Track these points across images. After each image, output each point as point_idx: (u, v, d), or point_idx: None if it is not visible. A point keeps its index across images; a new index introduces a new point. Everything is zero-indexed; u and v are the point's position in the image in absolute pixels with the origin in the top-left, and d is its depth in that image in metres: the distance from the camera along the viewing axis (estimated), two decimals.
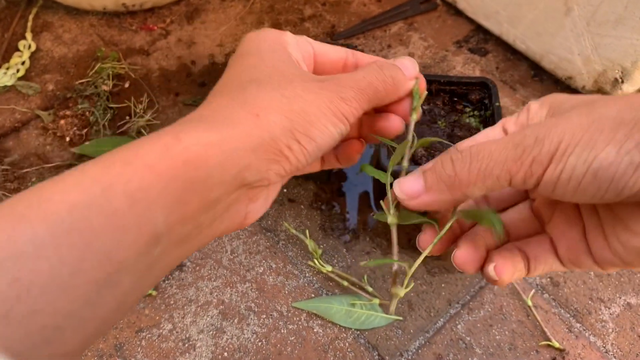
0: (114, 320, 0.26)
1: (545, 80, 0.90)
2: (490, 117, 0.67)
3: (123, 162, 0.26)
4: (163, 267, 0.28)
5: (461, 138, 0.66)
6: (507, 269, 0.34)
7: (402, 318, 0.68)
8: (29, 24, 0.94)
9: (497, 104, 0.66)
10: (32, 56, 0.90)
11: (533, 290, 0.70)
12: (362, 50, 0.92)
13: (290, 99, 0.31)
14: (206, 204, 0.28)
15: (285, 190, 0.77)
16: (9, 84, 0.86)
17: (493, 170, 0.29)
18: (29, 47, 0.91)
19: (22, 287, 0.22)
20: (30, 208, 0.23)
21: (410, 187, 0.34)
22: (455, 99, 0.70)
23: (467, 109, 0.70)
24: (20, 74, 0.87)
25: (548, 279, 0.71)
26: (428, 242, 0.38)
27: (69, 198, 0.24)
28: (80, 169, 0.25)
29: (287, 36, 0.36)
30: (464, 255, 0.36)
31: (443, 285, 0.71)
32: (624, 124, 0.25)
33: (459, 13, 0.98)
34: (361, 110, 0.34)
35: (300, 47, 0.37)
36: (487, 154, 0.29)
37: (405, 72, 0.37)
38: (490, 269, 0.34)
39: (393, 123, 0.39)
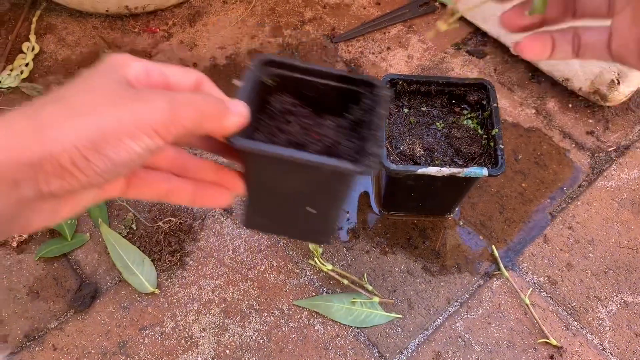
0: None
1: (543, 82, 0.91)
2: (488, 118, 0.68)
3: None
4: None
5: (459, 139, 0.67)
6: (536, 46, 0.37)
7: (401, 316, 0.69)
8: (33, 26, 0.95)
9: (494, 105, 0.67)
10: (36, 58, 0.91)
11: (531, 289, 0.71)
12: (361, 52, 0.93)
13: (85, 115, 0.29)
14: None
15: None
16: (13, 85, 0.87)
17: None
18: (33, 49, 0.92)
19: None
20: None
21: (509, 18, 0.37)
22: (454, 101, 0.71)
23: (465, 112, 0.71)
24: (24, 75, 0.88)
25: (546, 278, 0.72)
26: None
27: None
28: None
29: (133, 60, 0.34)
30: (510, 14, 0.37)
31: (442, 283, 0.71)
32: None
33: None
34: (181, 129, 0.32)
35: (149, 71, 0.35)
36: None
37: (232, 107, 0.36)
38: (518, 45, 0.37)
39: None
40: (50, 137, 0.28)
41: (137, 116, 0.30)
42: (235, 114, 0.36)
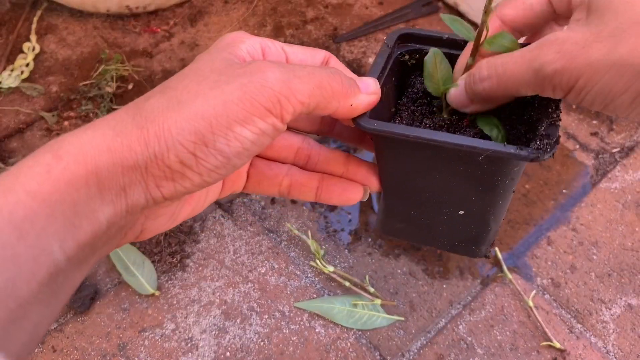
0: (29, 352, 0.25)
1: None
2: None
3: (3, 191, 0.23)
4: (68, 290, 0.26)
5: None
6: None
7: (403, 318, 0.68)
8: (34, 26, 0.95)
9: None
10: (37, 58, 0.91)
11: (534, 291, 0.70)
12: (363, 52, 0.93)
13: (186, 104, 0.26)
14: (97, 226, 0.25)
15: None
16: (14, 85, 0.87)
17: (518, 89, 0.31)
18: (33, 49, 0.91)
19: None
20: None
21: (459, 101, 0.36)
22: None
23: None
24: (25, 75, 0.88)
25: (549, 280, 0.71)
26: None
27: None
28: None
29: (250, 37, 0.31)
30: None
31: (444, 286, 0.71)
32: None
33: (460, 16, 0.98)
34: (299, 105, 0.27)
35: (269, 50, 0.32)
36: (510, 75, 0.31)
37: (361, 85, 0.32)
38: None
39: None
40: (153, 134, 0.25)
41: (246, 95, 0.26)
42: (366, 91, 0.32)
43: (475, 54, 0.35)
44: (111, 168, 0.25)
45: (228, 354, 0.65)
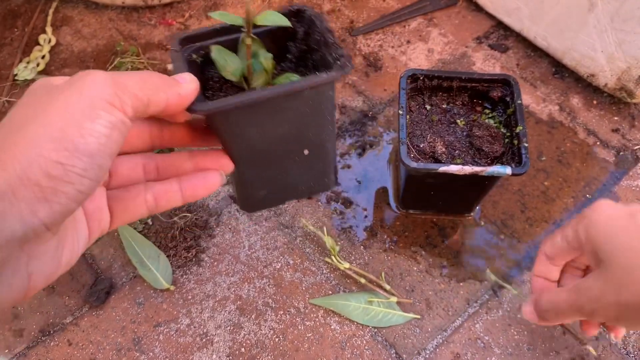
0: None
1: (567, 77, 0.89)
2: (512, 114, 0.66)
3: None
4: None
5: (480, 138, 0.65)
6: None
7: (419, 316, 0.67)
8: (49, 18, 0.94)
9: (519, 101, 0.65)
10: (52, 50, 0.91)
11: None
12: (380, 46, 0.92)
13: (32, 121, 0.25)
14: None
15: None
16: (30, 77, 0.87)
17: (570, 317, 0.47)
18: (49, 41, 0.91)
19: None
20: None
21: (531, 318, 0.52)
22: (476, 97, 0.70)
23: (487, 110, 0.69)
24: (41, 67, 0.88)
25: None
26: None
27: None
28: None
29: (56, 77, 0.32)
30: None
31: (461, 284, 0.70)
32: None
33: (479, 9, 0.97)
34: (135, 98, 0.28)
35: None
36: (562, 310, 0.47)
37: (178, 78, 0.34)
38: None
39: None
40: (10, 157, 0.24)
41: (84, 94, 0.26)
42: (185, 81, 0.34)
43: None
44: None
45: (243, 349, 0.65)
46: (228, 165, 0.39)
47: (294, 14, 0.51)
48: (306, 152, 0.48)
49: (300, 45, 0.53)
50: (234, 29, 0.46)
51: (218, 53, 0.48)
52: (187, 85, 0.33)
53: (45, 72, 0.88)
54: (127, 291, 0.69)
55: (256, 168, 0.47)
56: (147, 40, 0.92)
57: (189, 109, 0.37)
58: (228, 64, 0.47)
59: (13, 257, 0.25)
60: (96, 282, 0.69)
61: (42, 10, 0.96)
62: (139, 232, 0.72)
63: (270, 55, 0.48)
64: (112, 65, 0.88)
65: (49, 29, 0.92)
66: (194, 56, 0.49)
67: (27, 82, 0.86)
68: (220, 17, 0.44)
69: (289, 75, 0.49)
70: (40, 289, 0.28)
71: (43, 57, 0.89)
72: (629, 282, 0.39)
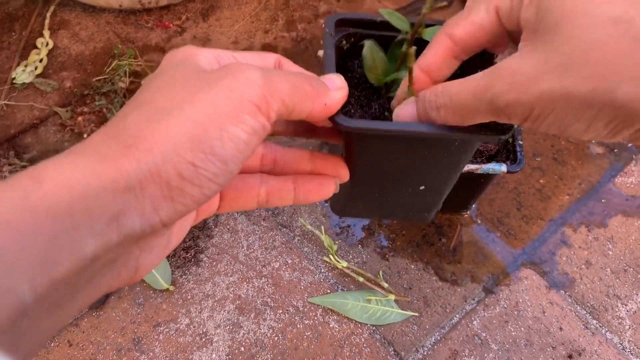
0: None
1: None
2: None
3: None
4: (32, 340, 0.22)
5: None
6: None
7: (417, 314, 0.68)
8: (47, 21, 0.95)
9: None
10: (50, 54, 0.91)
11: (549, 287, 0.70)
12: None
13: (174, 112, 0.24)
14: (79, 261, 0.22)
15: None
16: (27, 81, 0.87)
17: (474, 117, 0.30)
18: (47, 44, 0.92)
19: None
20: None
21: (405, 116, 0.34)
22: None
23: None
24: (38, 71, 0.89)
25: (564, 276, 0.71)
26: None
27: None
28: None
29: (200, 49, 0.30)
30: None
31: (458, 281, 0.71)
32: (592, 106, 0.25)
33: None
34: (282, 104, 0.27)
35: (219, 58, 0.31)
36: (464, 105, 0.30)
37: (328, 84, 0.31)
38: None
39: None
40: (144, 150, 0.23)
41: (234, 93, 0.25)
42: (334, 88, 0.31)
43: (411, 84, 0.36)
44: (101, 193, 0.22)
45: (242, 348, 0.66)
46: (345, 176, 0.38)
47: None
48: (422, 187, 0.46)
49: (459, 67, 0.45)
50: (392, 27, 0.43)
51: (369, 51, 0.44)
52: (336, 94, 0.31)
53: (43, 75, 0.89)
54: (126, 292, 0.69)
55: (369, 186, 0.46)
56: (144, 42, 0.93)
57: (330, 119, 0.34)
58: (376, 65, 0.45)
59: (127, 251, 0.25)
60: None
61: (40, 14, 0.96)
62: None
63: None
64: (110, 68, 0.88)
65: (46, 33, 0.93)
66: (344, 42, 0.47)
67: (26, 86, 0.87)
68: (387, 16, 0.42)
69: None
70: (143, 277, 0.27)
71: (41, 60, 0.90)
72: (582, 62, 0.25)
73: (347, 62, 0.47)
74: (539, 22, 0.27)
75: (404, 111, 0.35)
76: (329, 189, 0.36)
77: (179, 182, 0.23)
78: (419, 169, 0.43)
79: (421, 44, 0.40)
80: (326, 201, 0.51)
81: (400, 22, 0.41)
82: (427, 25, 0.42)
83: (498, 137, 0.36)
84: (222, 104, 0.24)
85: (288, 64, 0.34)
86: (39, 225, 0.21)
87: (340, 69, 0.46)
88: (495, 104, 0.28)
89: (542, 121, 0.27)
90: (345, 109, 0.44)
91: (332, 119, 0.34)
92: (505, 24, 0.31)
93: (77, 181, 0.22)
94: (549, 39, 0.27)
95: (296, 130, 0.38)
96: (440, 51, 0.34)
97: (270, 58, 0.34)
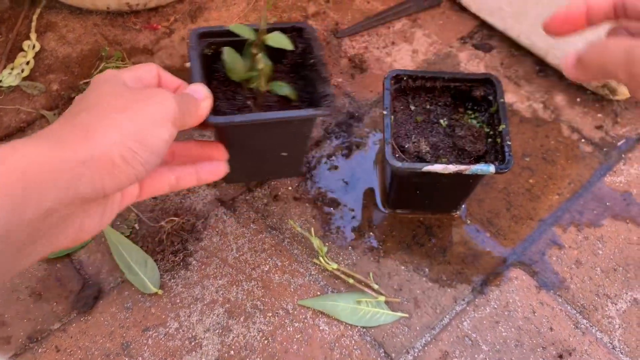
0: None
1: (551, 75, 0.90)
2: (495, 113, 0.66)
3: None
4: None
5: (462, 138, 0.66)
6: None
7: (407, 315, 0.68)
8: (33, 24, 0.94)
9: (501, 100, 0.66)
10: (37, 56, 0.91)
11: (539, 287, 0.70)
12: (365, 47, 0.92)
13: (119, 112, 0.34)
14: (42, 211, 0.29)
15: (290, 188, 0.77)
16: (14, 84, 0.86)
17: (607, 65, 0.35)
18: (33, 47, 0.91)
19: None
20: None
21: (568, 62, 0.39)
22: (459, 97, 0.70)
23: (469, 111, 0.70)
24: (25, 74, 0.88)
25: (554, 275, 0.71)
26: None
27: None
28: None
29: (121, 71, 0.41)
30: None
31: (449, 282, 0.70)
32: None
33: (462, 9, 0.97)
34: (182, 120, 0.40)
35: (138, 72, 0.42)
36: (607, 53, 0.35)
37: (195, 95, 0.43)
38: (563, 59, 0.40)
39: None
40: (98, 137, 0.32)
41: (161, 111, 0.36)
42: (202, 99, 0.43)
43: None
44: (63, 163, 0.30)
45: (232, 352, 0.65)
46: (223, 156, 0.50)
47: (297, 30, 0.64)
48: (284, 154, 0.63)
49: (296, 58, 0.65)
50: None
51: (228, 55, 0.58)
52: (204, 104, 0.43)
53: (30, 78, 0.88)
54: (115, 296, 0.69)
55: (242, 160, 0.61)
56: (132, 45, 0.92)
57: (205, 121, 0.50)
58: (235, 66, 0.59)
59: (76, 211, 0.32)
60: (84, 287, 0.69)
61: (26, 16, 0.95)
62: (126, 236, 0.72)
63: (270, 63, 0.60)
64: (98, 70, 0.88)
65: (33, 35, 0.92)
66: (207, 50, 0.62)
67: (12, 89, 0.86)
68: (236, 30, 0.56)
69: (281, 85, 0.62)
70: (85, 240, 0.36)
71: (27, 63, 0.89)
72: None
73: (213, 65, 0.62)
74: None
75: (571, 59, 0.40)
76: (221, 168, 0.48)
77: (120, 162, 0.32)
78: (276, 142, 0.58)
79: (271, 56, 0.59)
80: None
81: (246, 32, 0.56)
82: (270, 31, 0.57)
83: (325, 113, 0.55)
84: (155, 114, 0.36)
85: (163, 72, 0.47)
86: (14, 180, 0.28)
87: (209, 71, 0.62)
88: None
89: None
90: (216, 103, 0.58)
91: (205, 120, 0.49)
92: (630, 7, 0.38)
93: (47, 153, 0.30)
94: None
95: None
96: (573, 11, 0.40)
97: (154, 69, 0.46)
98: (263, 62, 0.58)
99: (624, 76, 0.34)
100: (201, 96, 0.44)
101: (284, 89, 0.61)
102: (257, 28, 0.57)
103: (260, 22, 0.55)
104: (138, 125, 0.34)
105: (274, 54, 0.60)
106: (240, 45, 0.58)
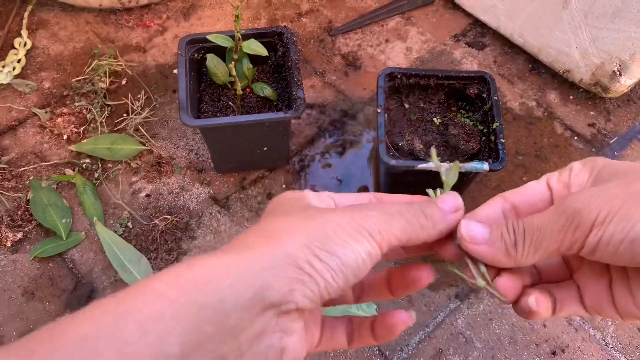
0: None
1: (543, 73, 0.90)
2: (488, 111, 0.66)
3: (136, 293, 0.25)
4: None
5: (455, 136, 0.66)
6: (544, 301, 0.33)
7: None
8: (25, 21, 0.93)
9: (495, 98, 0.66)
10: (28, 54, 0.90)
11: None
12: (359, 45, 0.92)
13: (306, 219, 0.30)
14: (223, 330, 0.26)
15: (284, 186, 0.77)
16: (5, 82, 0.86)
17: (542, 242, 0.31)
18: (25, 44, 0.90)
19: None
20: (42, 343, 0.24)
21: (476, 233, 0.33)
22: (453, 94, 0.70)
23: (462, 110, 0.70)
24: (17, 71, 0.87)
25: None
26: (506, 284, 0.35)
27: (80, 331, 0.24)
28: (95, 303, 0.25)
29: (307, 191, 0.35)
30: (505, 281, 0.34)
31: (443, 279, 0.71)
32: None
33: (456, 7, 0.97)
34: (394, 238, 0.31)
35: (320, 198, 0.35)
36: (536, 228, 0.31)
37: (443, 206, 0.33)
38: (531, 299, 0.33)
39: (423, 274, 0.36)
40: (281, 242, 0.29)
41: (355, 220, 0.30)
42: (452, 211, 0.33)
43: None
44: (244, 272, 0.27)
45: None
46: (430, 277, 0.38)
47: (278, 34, 0.70)
48: (265, 149, 0.71)
49: (278, 60, 0.72)
50: (230, 36, 0.65)
51: (211, 61, 0.66)
52: (451, 217, 0.33)
53: (22, 75, 0.87)
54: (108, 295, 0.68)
55: (228, 153, 0.71)
56: (124, 42, 0.92)
57: (184, 124, 0.64)
58: (218, 70, 0.67)
59: (270, 326, 0.28)
60: (77, 286, 0.69)
61: (18, 14, 0.94)
62: (119, 235, 0.71)
63: (251, 65, 0.68)
64: (90, 68, 0.87)
65: (24, 32, 0.91)
66: (196, 55, 0.70)
67: (3, 86, 0.85)
68: (215, 40, 0.64)
69: (262, 86, 0.70)
70: None
71: (19, 61, 0.88)
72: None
73: (201, 68, 0.71)
74: (596, 177, 0.32)
75: (479, 233, 0.34)
76: (407, 320, 0.37)
77: (308, 269, 0.28)
78: (255, 139, 0.65)
79: (256, 58, 0.69)
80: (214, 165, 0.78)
81: (224, 40, 0.64)
82: (251, 36, 0.65)
83: (294, 116, 0.63)
84: (345, 225, 0.30)
85: (387, 198, 0.38)
86: (189, 298, 0.25)
87: (197, 74, 0.71)
88: (576, 216, 0.30)
89: (609, 223, 0.29)
90: (200, 105, 0.69)
91: (182, 121, 0.64)
92: (555, 194, 0.35)
93: (226, 263, 0.27)
94: (606, 181, 0.31)
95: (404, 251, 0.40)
96: (491, 210, 0.36)
97: (365, 198, 0.37)
98: (244, 63, 0.68)
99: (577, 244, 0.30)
100: (450, 207, 0.34)
101: (265, 90, 0.69)
102: (232, 35, 0.65)
103: (253, 27, 0.60)
104: (326, 231, 0.29)
105: (258, 56, 0.66)
106: (226, 50, 0.66)
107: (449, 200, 0.34)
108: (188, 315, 0.25)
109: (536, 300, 0.33)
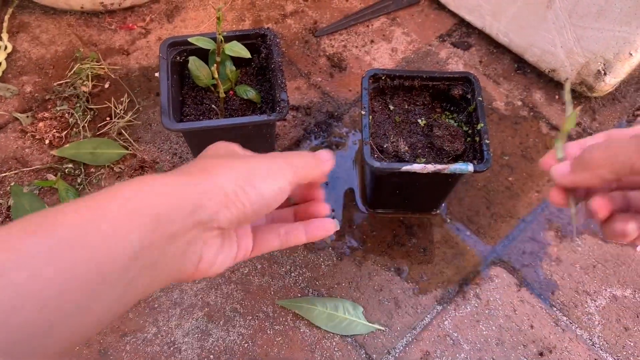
0: (97, 328, 0.32)
1: (529, 73, 0.90)
2: (473, 112, 0.66)
3: (110, 198, 0.33)
4: (137, 288, 0.33)
5: (440, 137, 0.66)
6: (631, 223, 0.38)
7: (383, 328, 0.67)
8: (5, 24, 0.92)
9: (479, 98, 0.66)
10: (9, 57, 0.89)
11: (519, 285, 0.70)
12: (344, 46, 0.92)
13: (235, 160, 0.38)
14: (168, 234, 0.33)
15: None
16: None
17: (619, 157, 0.36)
18: (5, 48, 0.89)
19: (24, 290, 0.27)
20: (40, 226, 0.30)
21: (560, 169, 0.41)
22: (438, 95, 0.70)
23: (447, 112, 0.70)
24: None
25: (534, 273, 0.71)
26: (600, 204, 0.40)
27: (73, 220, 0.31)
28: (79, 201, 0.32)
29: (235, 144, 0.44)
30: (598, 200, 0.39)
31: (430, 281, 0.70)
32: None
33: (441, 7, 0.97)
34: (299, 176, 0.41)
35: (244, 150, 0.44)
36: (616, 145, 0.36)
37: (321, 157, 0.43)
38: (620, 221, 0.39)
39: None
40: (216, 175, 0.37)
41: (273, 164, 0.39)
42: (328, 160, 0.44)
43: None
44: (187, 191, 0.35)
45: (212, 356, 0.64)
46: (327, 210, 0.48)
47: (261, 36, 0.70)
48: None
49: (261, 62, 0.72)
50: (212, 38, 0.64)
51: (193, 64, 0.66)
52: (329, 163, 0.44)
53: (2, 79, 0.86)
54: None
55: None
56: (107, 45, 0.91)
57: (166, 127, 0.63)
58: (201, 73, 0.67)
59: (197, 237, 0.35)
60: None
61: None
62: None
63: (234, 68, 0.68)
64: (72, 71, 0.86)
65: (4, 36, 0.90)
66: (178, 57, 0.70)
67: None
68: (196, 42, 0.63)
69: (246, 89, 0.69)
70: (200, 277, 0.37)
71: None
72: None
73: (184, 71, 0.71)
74: None
75: (561, 168, 0.41)
76: (331, 226, 0.46)
77: (232, 197, 0.36)
78: (240, 142, 0.65)
79: (239, 60, 0.68)
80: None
81: (206, 43, 0.63)
82: (227, 40, 0.64)
83: (277, 118, 0.63)
84: (266, 166, 0.39)
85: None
86: (148, 207, 0.33)
87: (179, 77, 0.71)
88: None
89: None
90: (183, 109, 0.69)
91: (164, 125, 0.62)
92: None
93: (175, 184, 0.35)
94: None
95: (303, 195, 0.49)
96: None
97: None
98: (227, 65, 0.67)
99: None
100: (325, 157, 0.44)
101: (248, 93, 0.69)
102: (214, 37, 0.64)
103: (236, 28, 0.58)
104: (251, 171, 0.38)
105: (241, 58, 0.66)
106: (209, 52, 0.65)
107: (325, 154, 0.44)
108: (147, 220, 0.32)
109: (623, 223, 0.39)
